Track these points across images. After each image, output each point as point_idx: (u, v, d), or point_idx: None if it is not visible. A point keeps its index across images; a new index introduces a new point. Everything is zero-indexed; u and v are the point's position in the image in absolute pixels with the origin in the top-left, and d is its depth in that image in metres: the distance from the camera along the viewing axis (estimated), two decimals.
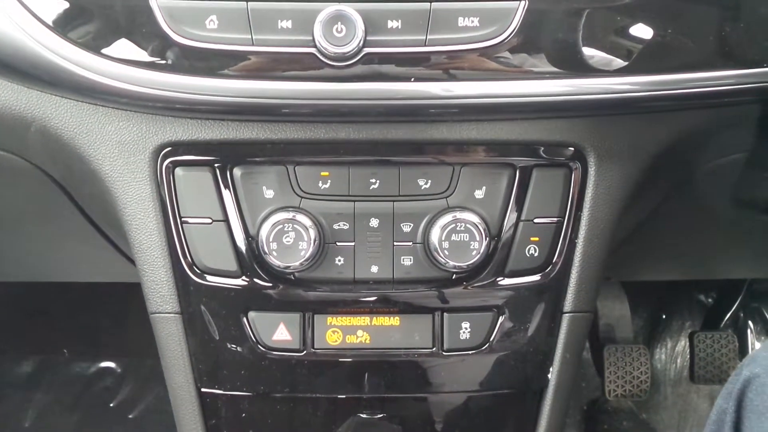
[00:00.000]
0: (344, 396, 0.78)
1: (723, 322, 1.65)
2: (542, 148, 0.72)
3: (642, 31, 0.67)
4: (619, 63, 0.67)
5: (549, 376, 0.78)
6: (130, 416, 1.63)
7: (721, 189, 0.92)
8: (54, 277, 1.20)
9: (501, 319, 0.75)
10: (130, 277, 0.82)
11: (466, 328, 0.74)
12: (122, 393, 1.66)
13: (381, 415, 0.79)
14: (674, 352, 1.73)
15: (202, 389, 0.77)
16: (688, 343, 1.57)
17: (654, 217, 0.93)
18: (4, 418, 1.63)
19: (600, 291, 1.42)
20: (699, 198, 0.94)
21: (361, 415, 0.79)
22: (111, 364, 1.69)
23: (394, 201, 0.72)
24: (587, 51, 0.67)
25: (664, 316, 1.75)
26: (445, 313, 0.74)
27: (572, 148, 0.72)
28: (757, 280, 1.61)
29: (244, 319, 0.74)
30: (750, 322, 1.67)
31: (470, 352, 0.75)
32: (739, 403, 0.68)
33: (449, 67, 0.66)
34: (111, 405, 1.64)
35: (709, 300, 1.75)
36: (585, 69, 0.68)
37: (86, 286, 1.25)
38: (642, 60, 0.68)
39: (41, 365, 1.69)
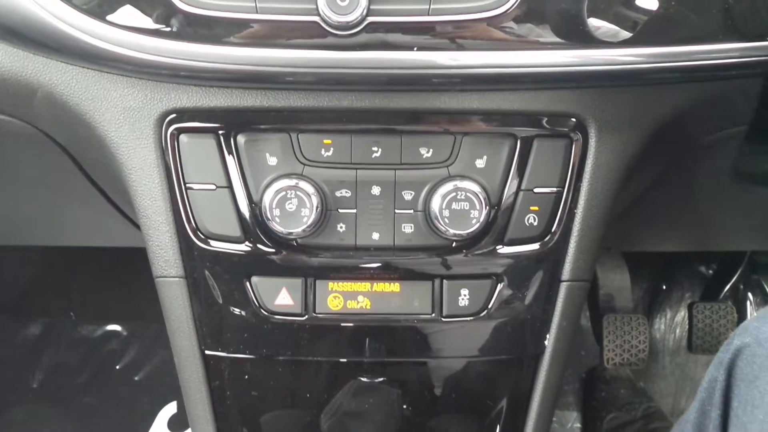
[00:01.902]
0: (345, 360, 0.79)
1: (722, 294, 1.66)
2: (544, 119, 0.73)
3: (647, 2, 0.68)
4: (624, 34, 0.67)
5: (546, 342, 0.79)
6: (136, 378, 1.66)
7: (721, 162, 0.92)
8: (60, 241, 1.21)
9: (499, 286, 0.76)
10: (136, 242, 0.83)
11: (465, 295, 0.75)
12: (128, 356, 1.69)
13: (381, 379, 0.80)
14: (673, 323, 1.74)
15: (206, 351, 0.78)
16: (687, 314, 1.58)
17: (654, 188, 0.93)
18: (13, 379, 1.66)
19: (599, 261, 1.44)
20: (699, 171, 0.95)
21: (362, 378, 0.80)
22: (117, 328, 1.72)
23: (395, 169, 0.73)
24: (592, 22, 0.67)
25: (664, 287, 1.77)
26: (444, 280, 0.75)
27: (574, 119, 0.73)
28: (758, 252, 1.62)
29: (247, 284, 0.75)
30: (750, 294, 1.68)
31: (469, 319, 0.76)
32: (729, 371, 0.70)
33: (453, 36, 0.67)
34: (117, 367, 1.67)
35: (710, 271, 1.77)
36: (590, 40, 0.68)
37: (92, 250, 1.27)
38: (647, 31, 0.68)
39: (48, 328, 1.72)
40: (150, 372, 1.66)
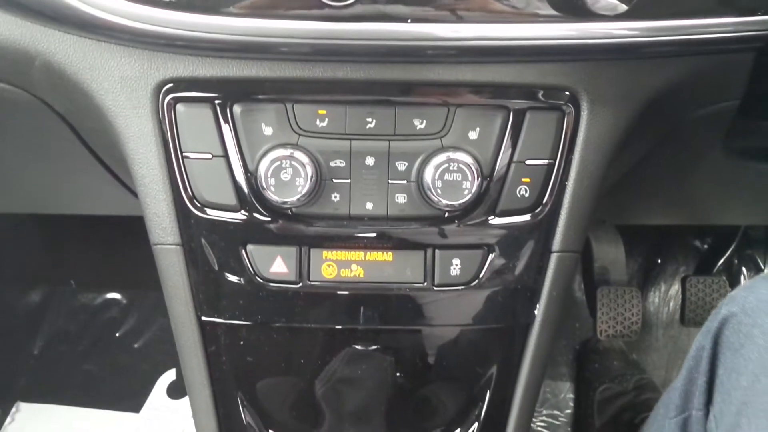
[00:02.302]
0: (339, 327, 0.80)
1: (716, 268, 1.68)
2: (537, 92, 0.73)
3: None
4: (621, 8, 0.68)
5: (536, 312, 0.80)
6: (135, 345, 1.68)
7: (713, 137, 0.93)
8: (59, 210, 1.22)
9: (491, 256, 0.77)
10: (134, 210, 0.84)
11: (456, 265, 0.76)
12: (127, 323, 1.71)
13: (374, 347, 0.82)
14: (667, 296, 1.76)
15: (202, 318, 0.80)
16: (680, 287, 1.59)
17: (647, 162, 0.94)
18: (14, 346, 1.68)
19: (595, 234, 1.45)
20: (691, 145, 0.95)
21: (355, 346, 0.82)
22: (116, 296, 1.73)
23: (389, 140, 0.73)
24: None
25: (659, 261, 1.78)
26: (436, 250, 0.76)
27: (567, 92, 0.74)
28: (752, 227, 1.64)
29: (243, 252, 0.76)
30: (743, 268, 1.70)
31: (460, 288, 0.77)
32: (716, 340, 0.71)
33: (449, 8, 0.67)
34: (117, 335, 1.70)
35: (705, 246, 1.78)
36: (586, 13, 0.68)
37: (91, 219, 1.28)
38: (643, 5, 0.68)
39: (48, 296, 1.73)
40: (149, 340, 1.68)
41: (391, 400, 0.85)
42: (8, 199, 1.19)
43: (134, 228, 0.92)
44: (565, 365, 1.66)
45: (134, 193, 0.80)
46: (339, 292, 0.78)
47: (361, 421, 0.86)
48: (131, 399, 1.57)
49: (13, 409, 1.56)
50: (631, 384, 1.51)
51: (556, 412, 1.59)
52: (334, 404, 0.85)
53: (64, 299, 1.73)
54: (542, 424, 1.57)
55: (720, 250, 1.69)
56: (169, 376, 1.60)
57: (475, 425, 0.86)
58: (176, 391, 1.58)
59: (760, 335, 0.65)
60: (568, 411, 1.59)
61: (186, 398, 1.55)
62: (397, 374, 0.83)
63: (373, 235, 0.76)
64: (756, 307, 0.67)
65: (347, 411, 0.85)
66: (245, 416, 0.85)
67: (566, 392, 1.62)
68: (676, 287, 1.75)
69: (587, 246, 1.49)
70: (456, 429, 0.87)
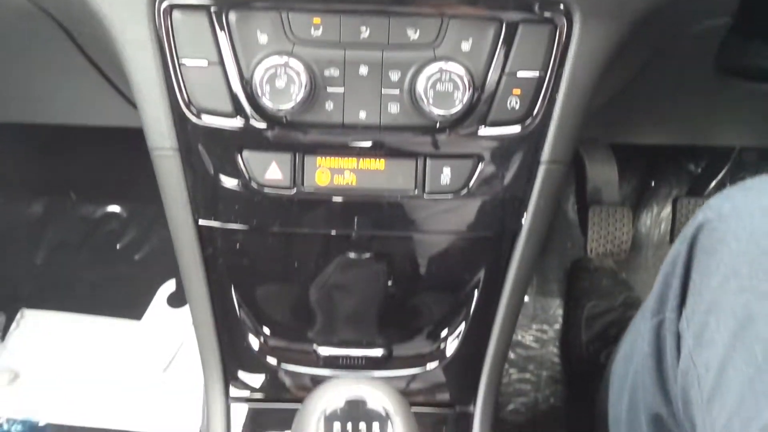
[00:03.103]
0: (332, 233, 0.83)
1: (708, 190, 1.70)
2: (529, 4, 0.74)
3: None
4: None
5: (523, 221, 0.83)
6: (136, 257, 1.72)
7: (706, 54, 0.94)
8: (59, 119, 1.23)
9: (480, 166, 0.79)
10: (133, 122, 0.85)
11: (446, 174, 0.78)
12: (127, 235, 1.74)
13: (366, 253, 0.84)
14: (659, 218, 1.79)
15: (199, 221, 0.82)
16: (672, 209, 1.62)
17: (640, 80, 0.95)
18: (17, 255, 1.72)
19: (588, 154, 1.46)
20: (684, 63, 0.96)
21: (348, 253, 0.84)
22: (116, 208, 1.76)
23: (383, 50, 0.74)
24: None
25: (652, 183, 1.80)
26: (427, 159, 0.78)
27: (561, 5, 0.74)
28: (746, 150, 1.65)
29: (238, 158, 0.78)
30: None
31: (450, 196, 0.79)
32: (691, 245, 0.74)
33: None
34: (117, 246, 1.73)
35: (698, 170, 1.80)
36: None
37: (89, 131, 1.29)
38: None
39: (49, 208, 1.76)
40: (149, 251, 1.72)
41: (382, 303, 0.88)
42: (7, 108, 1.20)
43: (132, 141, 0.94)
44: (556, 282, 1.70)
45: (133, 104, 0.81)
46: (332, 199, 0.80)
47: (353, 321, 0.89)
48: (132, 308, 1.61)
49: (18, 316, 1.61)
50: (619, 301, 1.55)
51: (545, 326, 1.63)
52: (327, 306, 0.88)
53: (65, 211, 1.76)
54: (531, 338, 1.62)
55: (713, 172, 1.70)
56: (169, 286, 1.64)
57: (463, 325, 0.90)
58: (176, 300, 1.62)
59: (733, 240, 0.67)
60: (557, 326, 1.63)
61: (186, 307, 1.60)
62: (388, 279, 0.86)
63: (366, 143, 0.77)
64: (730, 214, 0.69)
65: (340, 313, 0.89)
66: (241, 316, 0.88)
67: (555, 308, 1.66)
68: (668, 209, 1.78)
69: (581, 166, 1.51)
70: (444, 329, 0.91)
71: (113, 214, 1.76)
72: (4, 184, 1.78)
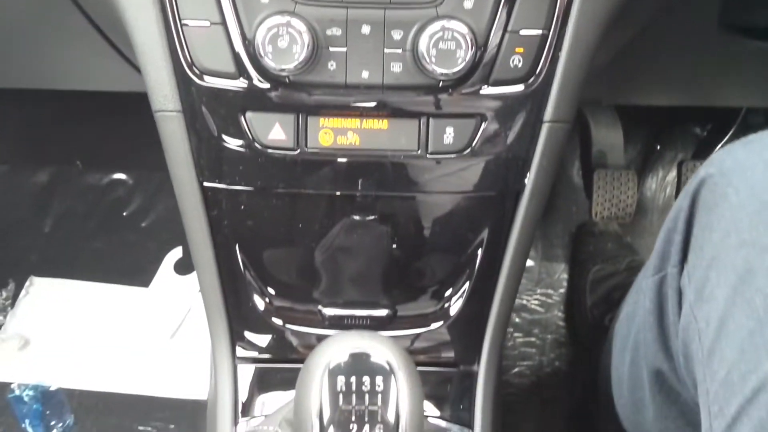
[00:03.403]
0: (336, 194, 0.83)
1: (714, 152, 1.69)
2: None
3: None
4: None
5: (526, 181, 0.83)
6: (143, 225, 1.73)
7: (711, 12, 0.93)
8: (64, 85, 1.23)
9: (483, 125, 0.78)
10: (138, 86, 0.85)
11: (449, 133, 0.78)
12: (134, 203, 1.75)
13: (370, 215, 0.85)
14: (665, 182, 1.78)
15: (204, 183, 0.83)
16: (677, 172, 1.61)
17: (644, 40, 0.94)
18: (25, 224, 1.73)
19: (593, 117, 1.46)
20: (688, 22, 0.95)
21: (352, 211, 0.85)
22: (122, 176, 1.77)
23: (385, 8, 0.74)
24: None
25: (658, 147, 1.79)
26: (430, 118, 0.78)
27: None
28: (753, 112, 1.63)
29: (242, 119, 0.78)
30: None
31: (453, 156, 0.79)
32: (693, 200, 0.74)
33: None
34: (124, 214, 1.74)
35: (705, 133, 1.79)
36: None
37: (95, 97, 1.29)
38: None
39: (55, 176, 1.77)
40: (155, 219, 1.73)
41: (386, 264, 0.89)
42: (10, 74, 1.20)
43: (137, 107, 0.94)
44: (561, 247, 1.70)
45: (137, 68, 0.81)
46: (336, 159, 0.80)
47: (357, 282, 0.90)
48: (139, 275, 1.63)
49: (27, 283, 1.62)
50: (624, 265, 1.55)
51: (550, 291, 1.64)
52: (331, 267, 0.89)
53: (71, 179, 1.76)
54: (536, 302, 1.62)
55: (719, 135, 1.69)
56: (176, 253, 1.65)
57: (467, 285, 0.91)
58: (183, 267, 1.63)
59: (734, 194, 0.67)
60: (562, 290, 1.64)
61: (193, 274, 1.61)
62: (392, 239, 0.87)
63: (369, 103, 0.77)
64: (732, 168, 0.69)
65: (344, 273, 0.89)
66: (247, 277, 0.89)
67: (560, 273, 1.66)
68: (673, 173, 1.77)
69: (586, 129, 1.51)
70: (448, 289, 0.92)
71: (119, 181, 1.76)
72: (10, 154, 1.79)
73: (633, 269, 1.54)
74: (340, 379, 0.58)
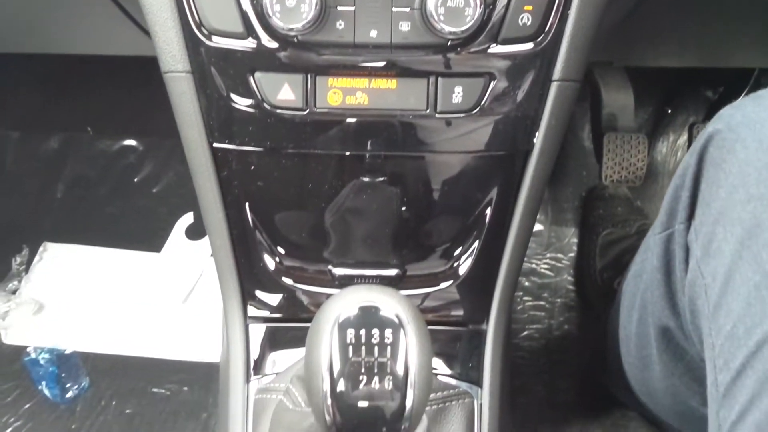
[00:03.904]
0: (345, 154, 0.83)
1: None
2: None
3: None
4: None
5: (535, 140, 0.83)
6: (154, 190, 1.74)
7: None
8: (74, 49, 1.23)
9: (492, 84, 0.78)
10: (147, 50, 0.85)
11: (458, 92, 0.78)
12: (145, 169, 1.75)
13: (379, 173, 0.85)
14: (675, 146, 1.77)
15: (214, 144, 0.83)
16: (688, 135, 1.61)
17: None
18: (38, 189, 1.74)
19: (604, 80, 1.45)
20: None
21: (362, 172, 0.85)
22: (133, 143, 1.78)
23: None
24: None
25: (669, 111, 1.78)
26: (439, 78, 0.77)
27: None
28: (765, 73, 1.62)
29: (251, 79, 0.78)
30: None
31: (461, 115, 0.79)
32: (700, 157, 0.74)
33: None
34: (135, 180, 1.75)
35: (716, 96, 1.77)
36: None
37: (105, 63, 1.29)
38: None
39: (66, 142, 1.78)
40: (166, 185, 1.74)
41: (396, 224, 0.89)
42: (21, 38, 1.20)
43: (147, 73, 0.94)
44: (571, 211, 1.70)
45: (146, 32, 0.81)
46: (345, 119, 0.80)
47: (367, 242, 0.91)
48: (151, 240, 1.64)
49: (41, 249, 1.64)
50: (634, 229, 1.55)
51: (559, 255, 1.64)
52: (341, 227, 0.89)
53: (83, 145, 1.77)
54: (546, 266, 1.63)
55: (731, 98, 1.67)
56: (187, 219, 1.66)
57: (476, 244, 0.91)
58: (194, 232, 1.64)
59: (742, 149, 0.67)
60: (572, 254, 1.64)
61: (204, 239, 1.62)
62: (402, 200, 0.87)
63: (378, 62, 0.77)
64: (740, 123, 0.69)
65: (354, 234, 0.90)
66: (257, 237, 0.90)
67: (570, 237, 1.67)
68: (684, 137, 1.76)
69: (596, 92, 1.50)
70: (457, 249, 0.92)
71: (130, 147, 1.77)
72: (21, 120, 1.79)
73: (643, 233, 1.53)
74: (350, 332, 0.58)
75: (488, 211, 0.88)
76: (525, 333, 1.53)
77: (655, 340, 0.88)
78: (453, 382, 0.94)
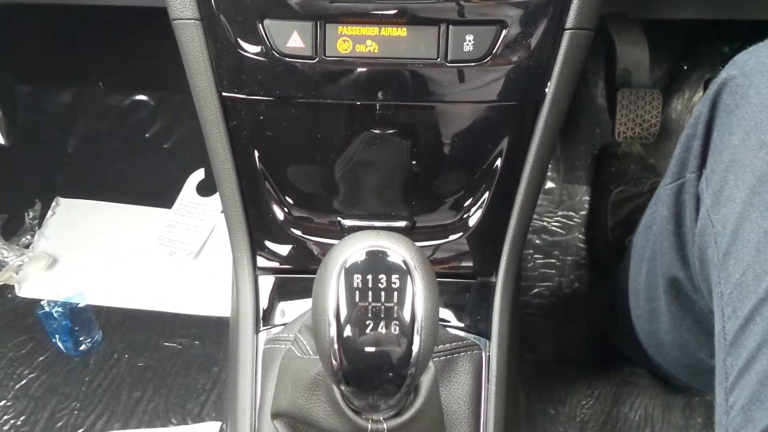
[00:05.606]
0: (356, 104, 0.83)
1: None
2: None
3: None
4: None
5: (546, 90, 0.82)
6: (165, 146, 1.74)
7: None
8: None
9: (504, 33, 0.77)
10: (159, 1, 0.84)
11: (469, 41, 0.77)
12: (156, 125, 1.75)
13: (390, 123, 0.85)
14: (691, 103, 1.75)
15: (223, 93, 0.83)
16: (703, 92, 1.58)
17: None
18: (50, 144, 1.75)
19: (618, 35, 1.43)
20: None
21: (373, 122, 0.85)
22: (144, 97, 1.77)
23: None
24: None
25: (685, 67, 1.75)
26: (450, 26, 0.76)
27: None
28: None
29: (260, 26, 0.77)
30: None
31: (472, 64, 0.78)
32: (713, 104, 0.72)
33: None
34: (146, 135, 1.75)
35: (733, 52, 1.74)
36: None
37: (118, 17, 1.27)
38: None
39: (78, 97, 1.77)
40: (177, 140, 1.74)
41: (405, 175, 0.89)
42: None
43: (156, 27, 0.93)
44: (583, 169, 1.69)
45: None
46: (354, 68, 0.79)
47: (376, 194, 0.90)
48: (162, 195, 1.65)
49: (54, 203, 1.65)
50: (646, 187, 1.54)
51: (571, 213, 1.64)
52: (351, 179, 0.89)
53: (93, 101, 1.77)
54: (557, 224, 1.62)
55: None
56: (198, 175, 1.66)
57: (486, 196, 0.91)
58: (205, 189, 1.65)
59: (755, 95, 0.66)
60: (583, 213, 1.64)
61: (215, 196, 1.63)
62: (412, 151, 0.86)
63: (388, 10, 0.76)
64: (754, 69, 0.68)
65: (363, 185, 0.90)
66: (266, 187, 0.90)
67: (582, 195, 1.66)
68: (700, 94, 1.73)
69: (610, 47, 1.47)
70: (467, 200, 0.92)
71: (141, 102, 1.77)
72: (32, 74, 1.79)
73: (655, 190, 1.53)
74: (357, 278, 0.58)
75: (498, 163, 0.88)
76: (535, 290, 1.53)
77: (664, 292, 0.87)
78: (461, 333, 0.94)
